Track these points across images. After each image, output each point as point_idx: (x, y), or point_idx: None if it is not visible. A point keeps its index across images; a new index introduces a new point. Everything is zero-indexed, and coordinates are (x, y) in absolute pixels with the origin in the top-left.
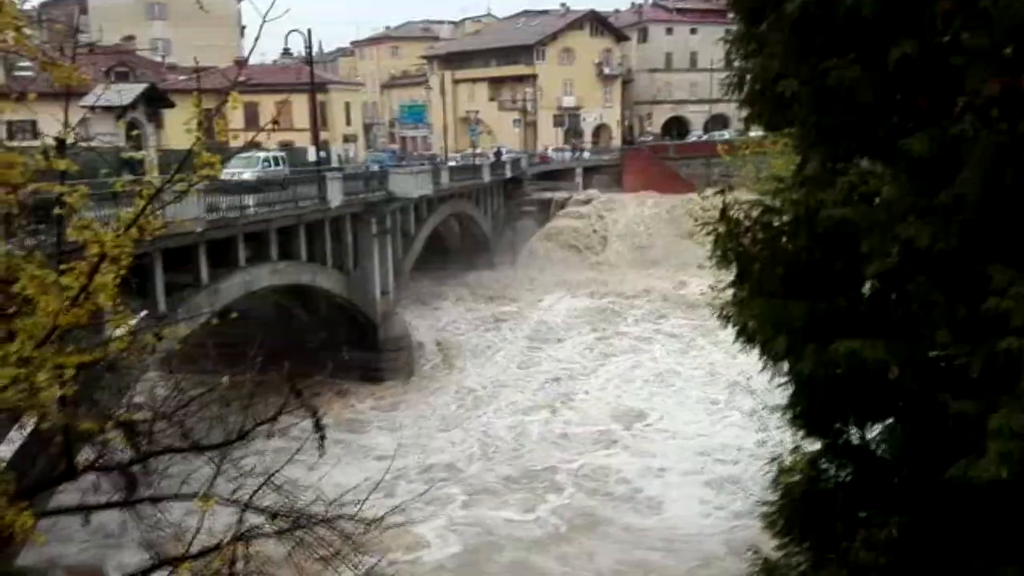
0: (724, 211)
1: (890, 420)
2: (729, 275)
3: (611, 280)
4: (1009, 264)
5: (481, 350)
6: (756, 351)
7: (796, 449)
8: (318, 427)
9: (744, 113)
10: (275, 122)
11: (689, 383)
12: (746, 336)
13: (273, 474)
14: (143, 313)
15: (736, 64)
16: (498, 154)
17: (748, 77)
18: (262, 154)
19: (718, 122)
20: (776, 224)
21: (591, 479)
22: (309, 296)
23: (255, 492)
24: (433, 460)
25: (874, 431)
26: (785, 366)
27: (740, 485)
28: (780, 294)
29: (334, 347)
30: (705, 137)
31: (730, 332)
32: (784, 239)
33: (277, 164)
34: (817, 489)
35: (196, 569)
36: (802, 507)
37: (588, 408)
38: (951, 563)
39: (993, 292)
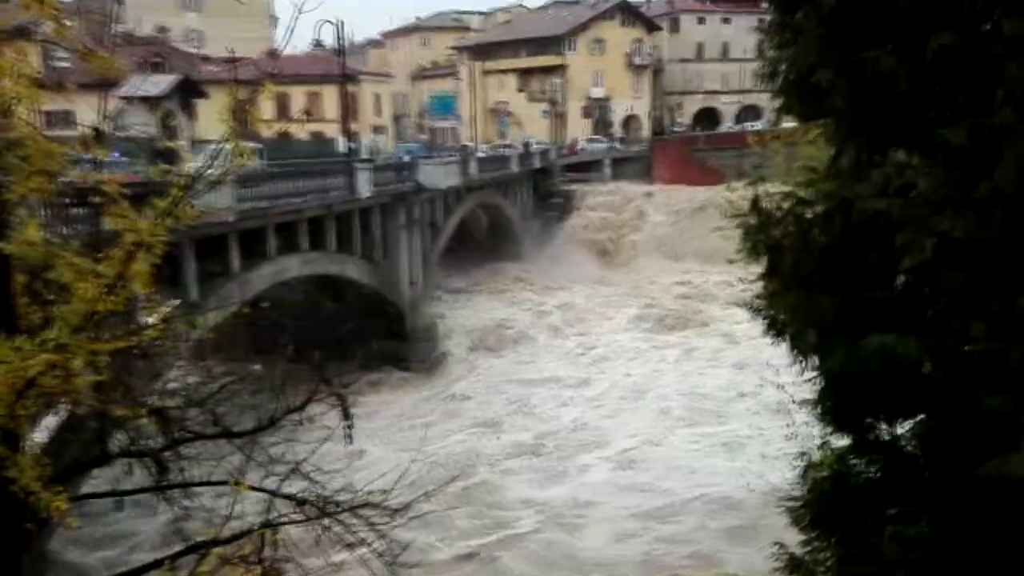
0: (755, 203)
1: (921, 416)
2: (757, 268)
3: (639, 274)
4: None
5: (509, 340)
6: (785, 345)
7: (824, 444)
8: (346, 415)
9: (776, 104)
10: (308, 113)
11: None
12: (776, 329)
13: (301, 462)
14: (176, 302)
15: (769, 54)
16: (527, 145)
17: (782, 67)
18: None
19: (750, 113)
20: (809, 216)
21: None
22: (338, 286)
23: (283, 479)
24: (458, 449)
25: (904, 427)
26: (815, 360)
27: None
28: (811, 287)
29: (362, 337)
30: (737, 128)
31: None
32: (817, 231)
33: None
34: (846, 485)
35: (225, 554)
36: (830, 502)
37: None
38: (981, 560)
39: None
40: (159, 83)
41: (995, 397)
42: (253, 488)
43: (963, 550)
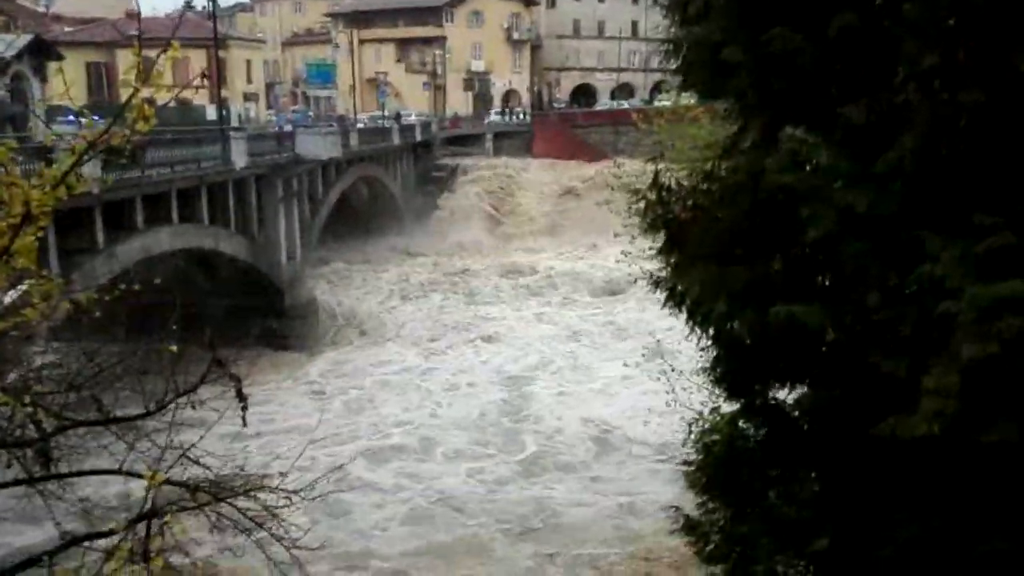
0: (655, 179)
1: (808, 382)
2: (650, 241)
3: (522, 246)
4: (941, 231)
5: (389, 315)
6: (684, 315)
7: (715, 410)
8: (241, 397)
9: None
10: (205, 76)
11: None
12: (675, 301)
13: (191, 447)
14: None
15: (672, 31)
16: (398, 117)
17: (686, 45)
18: None
19: (624, 91)
20: (715, 190)
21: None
22: (212, 262)
23: (171, 465)
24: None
25: (791, 392)
26: (711, 330)
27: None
28: (720, 259)
29: (238, 314)
30: (613, 105)
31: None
32: (724, 205)
33: None
34: (736, 448)
35: (109, 547)
36: (722, 465)
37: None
38: (869, 516)
39: (926, 258)
40: (8, 43)
41: (891, 361)
42: (139, 476)
43: (852, 507)
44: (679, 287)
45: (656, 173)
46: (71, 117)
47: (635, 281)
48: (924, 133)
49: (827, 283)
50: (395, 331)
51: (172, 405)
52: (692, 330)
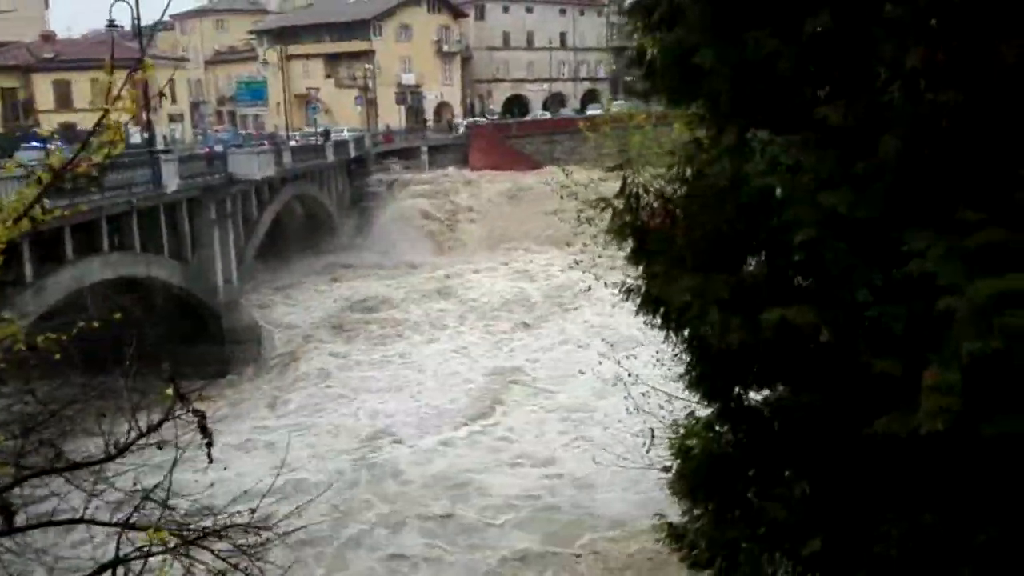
0: (623, 186)
1: (795, 382)
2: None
3: (465, 260)
4: (924, 229)
5: (332, 337)
6: (658, 321)
7: (691, 414)
8: (204, 432)
9: (583, 91)
10: (163, 95)
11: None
12: (650, 309)
13: (154, 488)
14: None
15: (635, 38)
16: (326, 134)
17: (651, 50)
18: None
19: (556, 101)
20: (695, 195)
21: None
22: (146, 289)
23: (135, 509)
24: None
25: (766, 394)
26: (686, 335)
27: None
28: (702, 266)
29: (175, 342)
30: (545, 115)
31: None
32: (705, 211)
33: None
34: (716, 452)
35: None
36: (704, 470)
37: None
38: (863, 515)
39: (912, 255)
40: None
41: (885, 361)
42: (100, 523)
43: (843, 506)
44: (660, 295)
45: (624, 181)
46: (34, 143)
47: (588, 288)
48: (906, 134)
49: (813, 286)
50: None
51: (134, 447)
52: (667, 337)
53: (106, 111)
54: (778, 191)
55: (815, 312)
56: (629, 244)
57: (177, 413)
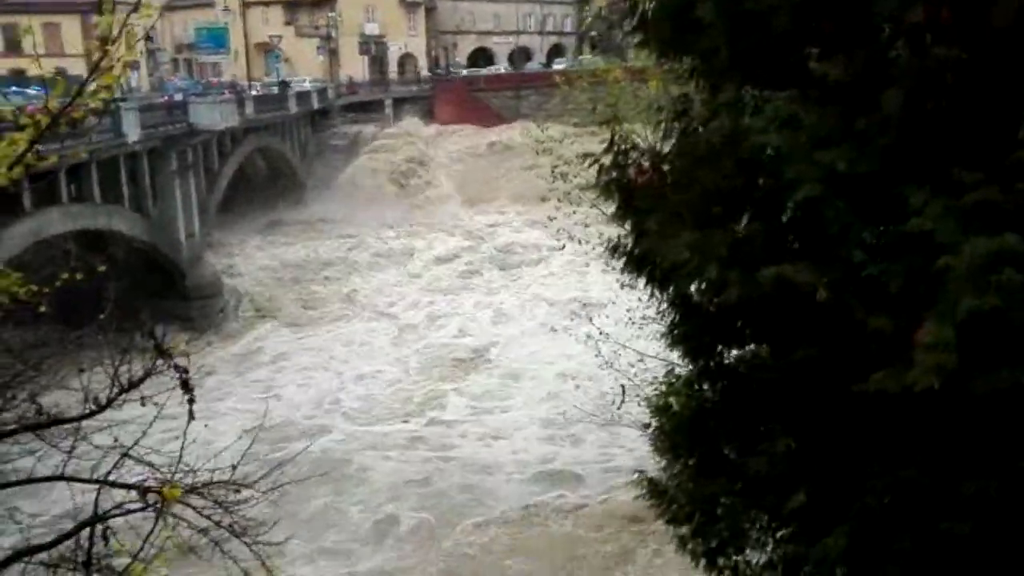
0: (611, 142)
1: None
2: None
3: (438, 216)
4: (921, 187)
5: (297, 293)
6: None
7: (671, 371)
8: (186, 388)
9: (550, 45)
10: (148, 38)
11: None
12: (635, 266)
13: (134, 444)
14: None
15: None
16: (283, 85)
17: (648, 2)
18: None
19: (522, 54)
20: (688, 151)
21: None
22: (106, 242)
23: (114, 466)
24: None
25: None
26: (669, 293)
27: None
28: (698, 223)
29: (138, 298)
30: (511, 69)
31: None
32: (702, 167)
33: None
34: (697, 409)
35: (52, 559)
36: (685, 426)
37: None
38: (847, 470)
39: (907, 215)
40: None
41: (879, 318)
42: (81, 480)
43: (827, 461)
44: (649, 252)
45: (612, 136)
46: (14, 88)
47: (563, 247)
48: (910, 89)
49: (810, 244)
50: (301, 309)
51: (118, 402)
52: (651, 295)
53: (105, 53)
54: (775, 148)
55: (812, 270)
56: (614, 201)
57: (159, 368)
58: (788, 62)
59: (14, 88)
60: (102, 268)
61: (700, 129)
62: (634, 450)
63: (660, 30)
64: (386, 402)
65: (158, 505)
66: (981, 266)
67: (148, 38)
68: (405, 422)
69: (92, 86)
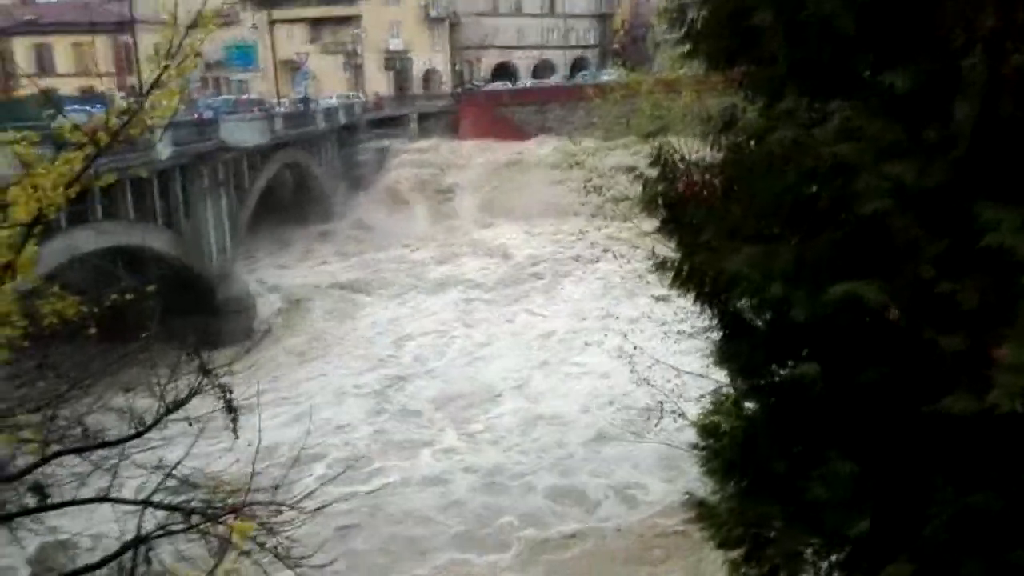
0: (658, 155)
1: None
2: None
3: (464, 230)
4: (994, 200)
5: (327, 309)
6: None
7: (718, 390)
8: (230, 408)
9: (572, 59)
10: (199, 53)
11: None
12: (683, 281)
13: (176, 465)
14: None
15: None
16: (305, 102)
17: (700, 10)
18: None
19: (545, 68)
20: (746, 163)
21: None
22: (137, 259)
23: (157, 487)
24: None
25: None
26: (716, 310)
27: None
28: (760, 238)
29: (168, 312)
30: (535, 83)
31: None
32: (764, 179)
33: None
34: (748, 428)
35: None
36: (736, 447)
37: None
38: (909, 497)
39: (985, 227)
40: None
41: (951, 337)
42: (124, 501)
43: (892, 487)
44: (704, 267)
45: (659, 149)
46: (75, 106)
47: (597, 260)
48: (983, 99)
49: (877, 259)
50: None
51: (162, 423)
52: (702, 311)
53: (166, 67)
54: (841, 160)
55: (882, 287)
56: (661, 214)
57: (204, 388)
58: (849, 70)
59: (75, 105)
60: (151, 287)
61: (751, 141)
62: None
63: (712, 39)
64: None
65: (200, 526)
66: None
67: (197, 54)
68: None
69: (149, 102)
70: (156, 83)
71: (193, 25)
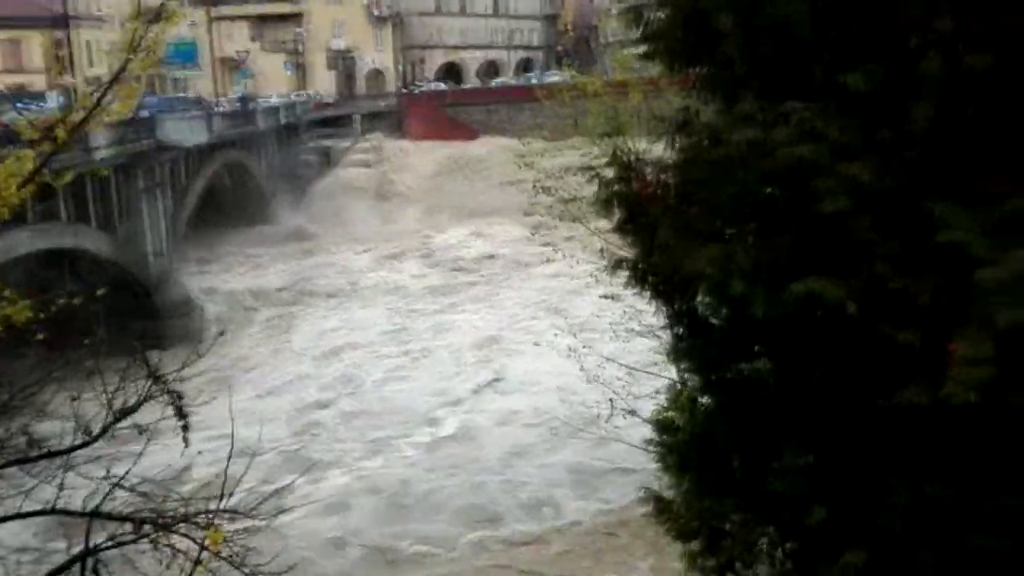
0: (615, 155)
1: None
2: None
3: (411, 235)
4: (947, 199)
5: (270, 311)
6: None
7: (674, 386)
8: (181, 415)
9: (518, 60)
10: (152, 49)
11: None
12: (639, 280)
13: (125, 474)
14: None
15: None
16: (243, 100)
17: (650, 12)
18: None
19: (491, 69)
20: (705, 163)
21: None
22: (72, 261)
23: (105, 497)
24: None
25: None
26: (675, 308)
27: None
28: (716, 237)
29: (107, 318)
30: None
31: None
32: (722, 181)
33: None
34: (703, 423)
35: None
36: (692, 442)
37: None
38: (863, 488)
39: (939, 226)
40: None
41: (906, 332)
42: (71, 513)
43: (847, 478)
44: (662, 266)
45: (615, 149)
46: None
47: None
48: (939, 100)
49: (833, 257)
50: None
51: (110, 431)
52: (658, 309)
53: (127, 61)
54: (800, 160)
55: (839, 284)
56: (617, 214)
57: (152, 394)
58: (806, 72)
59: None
60: (101, 291)
61: (707, 142)
62: None
63: (671, 40)
64: None
65: (151, 536)
66: (1021, 278)
67: (149, 49)
68: None
69: (109, 97)
70: (117, 77)
71: (155, 19)
